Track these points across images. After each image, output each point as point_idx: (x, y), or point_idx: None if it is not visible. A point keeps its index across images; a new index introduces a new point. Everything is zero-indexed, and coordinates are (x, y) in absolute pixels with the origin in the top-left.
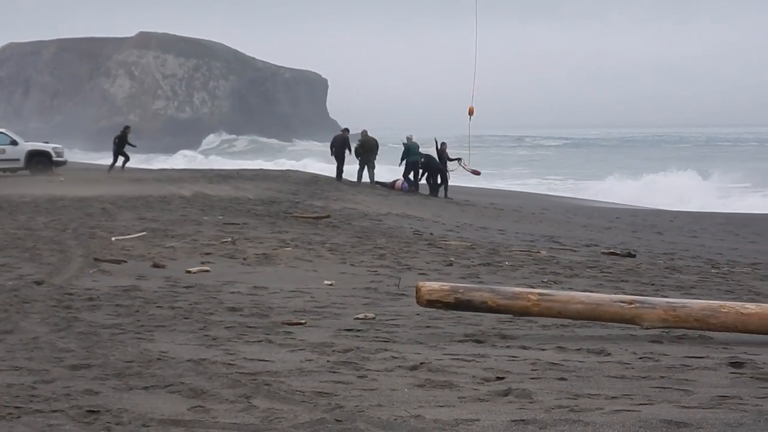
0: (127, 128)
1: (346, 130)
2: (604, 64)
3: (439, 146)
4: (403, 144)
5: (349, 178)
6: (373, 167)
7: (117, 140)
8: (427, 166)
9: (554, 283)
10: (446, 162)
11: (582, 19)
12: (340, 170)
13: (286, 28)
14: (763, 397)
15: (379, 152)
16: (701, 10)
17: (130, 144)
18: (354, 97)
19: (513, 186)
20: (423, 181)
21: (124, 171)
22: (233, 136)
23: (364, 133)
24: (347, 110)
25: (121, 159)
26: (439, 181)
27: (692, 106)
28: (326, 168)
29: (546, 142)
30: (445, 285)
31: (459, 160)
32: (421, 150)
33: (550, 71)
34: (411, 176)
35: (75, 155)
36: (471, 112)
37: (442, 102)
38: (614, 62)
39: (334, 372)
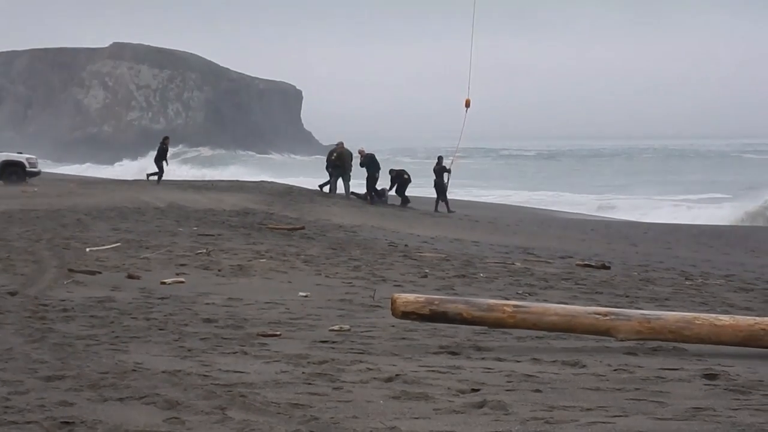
0: (166, 139)
1: (341, 144)
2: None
3: (438, 165)
4: (360, 164)
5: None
6: (349, 179)
7: (157, 151)
8: (396, 178)
9: (529, 294)
10: (443, 174)
11: (554, 30)
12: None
13: (260, 38)
14: (736, 409)
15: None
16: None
17: (166, 158)
18: (329, 108)
19: (491, 198)
20: (393, 192)
21: (158, 184)
22: (200, 149)
23: (341, 145)
24: (321, 121)
25: (158, 169)
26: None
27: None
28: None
29: (522, 153)
30: (420, 297)
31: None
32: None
33: (527, 83)
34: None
35: (48, 166)
36: (467, 104)
37: (420, 113)
38: (585, 73)
39: (310, 384)
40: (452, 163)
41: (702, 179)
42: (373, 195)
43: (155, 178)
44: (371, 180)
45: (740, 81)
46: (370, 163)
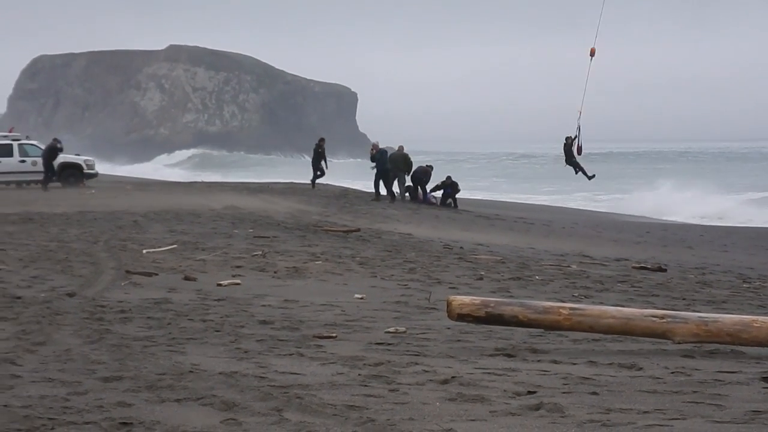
0: (322, 140)
1: (401, 147)
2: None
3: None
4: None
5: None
6: (404, 182)
7: (314, 153)
8: (449, 185)
9: (585, 297)
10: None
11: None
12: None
13: (315, 40)
14: None
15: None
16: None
17: (324, 159)
18: (383, 110)
19: (540, 200)
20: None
21: (314, 188)
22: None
23: (401, 148)
24: (376, 124)
25: (313, 173)
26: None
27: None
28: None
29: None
30: (476, 299)
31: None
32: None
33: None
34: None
35: (105, 168)
36: (593, 53)
37: (472, 115)
38: (635, 76)
39: (365, 385)
40: (579, 117)
41: None
42: (399, 193)
43: (318, 180)
44: (381, 175)
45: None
46: (380, 158)
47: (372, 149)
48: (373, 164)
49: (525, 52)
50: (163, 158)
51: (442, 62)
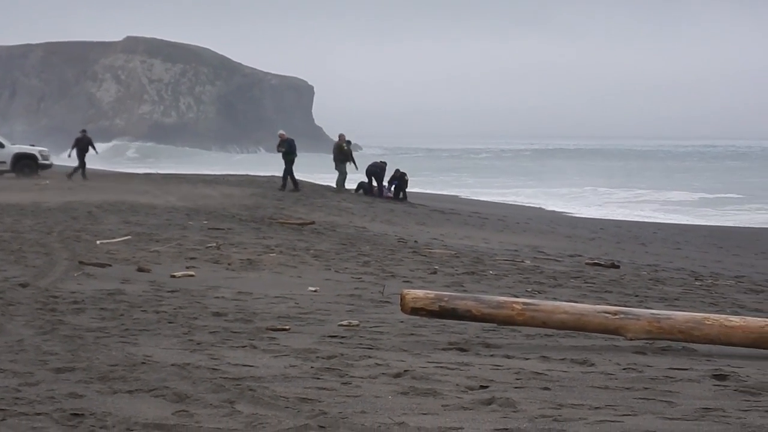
0: (342, 137)
1: (341, 136)
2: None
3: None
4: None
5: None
6: (342, 172)
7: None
8: (399, 179)
9: (538, 292)
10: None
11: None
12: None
13: (274, 34)
14: (746, 410)
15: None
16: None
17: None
18: (342, 104)
19: (497, 197)
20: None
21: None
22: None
23: (341, 137)
24: (334, 117)
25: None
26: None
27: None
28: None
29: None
30: (430, 293)
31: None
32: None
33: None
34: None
35: (61, 159)
36: None
37: (431, 111)
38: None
39: (318, 378)
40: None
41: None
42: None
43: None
44: (288, 164)
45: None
46: (288, 147)
47: (280, 138)
48: (282, 152)
49: (487, 50)
50: (120, 149)
51: (403, 58)
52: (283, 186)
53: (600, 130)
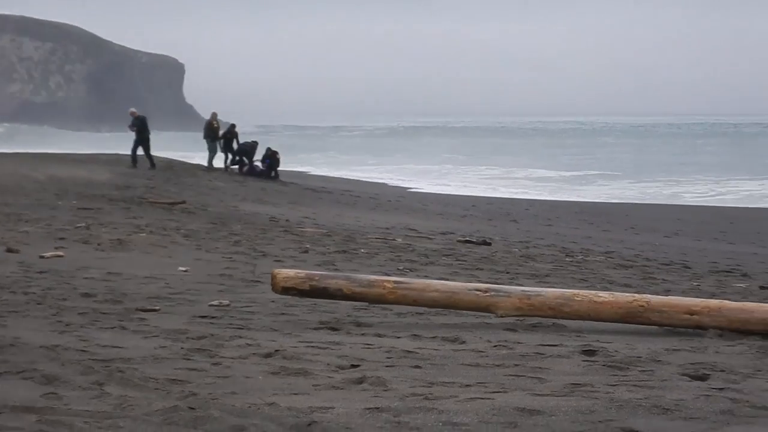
0: (233, 126)
1: (214, 114)
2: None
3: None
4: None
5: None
6: (213, 150)
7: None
8: (271, 157)
9: (410, 270)
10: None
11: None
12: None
13: (144, 10)
14: (614, 385)
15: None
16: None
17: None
18: (213, 81)
19: (366, 175)
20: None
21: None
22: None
23: (213, 116)
24: (204, 95)
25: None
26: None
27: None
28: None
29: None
30: (301, 272)
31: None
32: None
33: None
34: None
35: None
36: None
37: (307, 87)
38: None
39: (188, 359)
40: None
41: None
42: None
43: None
44: (143, 143)
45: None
46: (140, 124)
47: (132, 116)
48: (133, 130)
49: (355, 26)
50: None
51: (276, 33)
52: (151, 164)
53: (473, 107)
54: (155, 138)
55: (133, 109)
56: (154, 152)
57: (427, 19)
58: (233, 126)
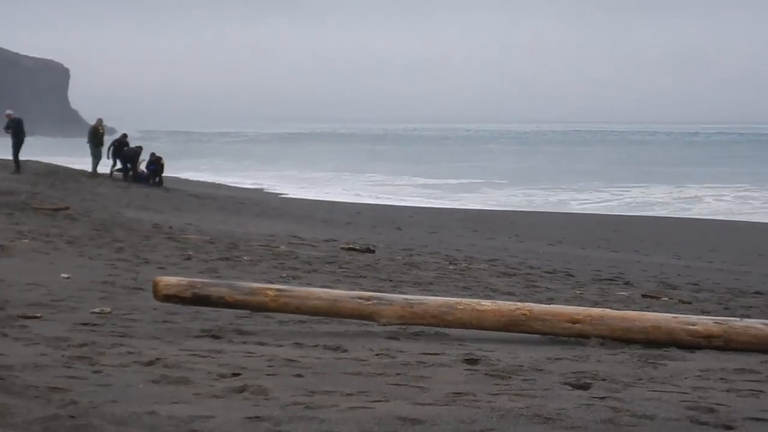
0: (124, 136)
1: (99, 120)
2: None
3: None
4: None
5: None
6: (96, 156)
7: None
8: (155, 163)
9: (293, 278)
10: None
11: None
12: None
13: (29, 13)
14: (496, 394)
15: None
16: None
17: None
18: (99, 86)
19: (249, 182)
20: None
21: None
22: None
23: (99, 121)
24: (90, 100)
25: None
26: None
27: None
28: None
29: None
30: (183, 280)
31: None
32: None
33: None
34: None
35: None
36: None
37: (184, 94)
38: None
39: (69, 367)
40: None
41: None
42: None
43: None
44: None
45: None
46: (15, 127)
47: (7, 118)
48: (8, 132)
49: (240, 30)
50: None
51: (162, 37)
52: (17, 168)
53: (353, 114)
54: (39, 143)
55: (9, 111)
56: (36, 157)
57: (313, 25)
58: (125, 135)
